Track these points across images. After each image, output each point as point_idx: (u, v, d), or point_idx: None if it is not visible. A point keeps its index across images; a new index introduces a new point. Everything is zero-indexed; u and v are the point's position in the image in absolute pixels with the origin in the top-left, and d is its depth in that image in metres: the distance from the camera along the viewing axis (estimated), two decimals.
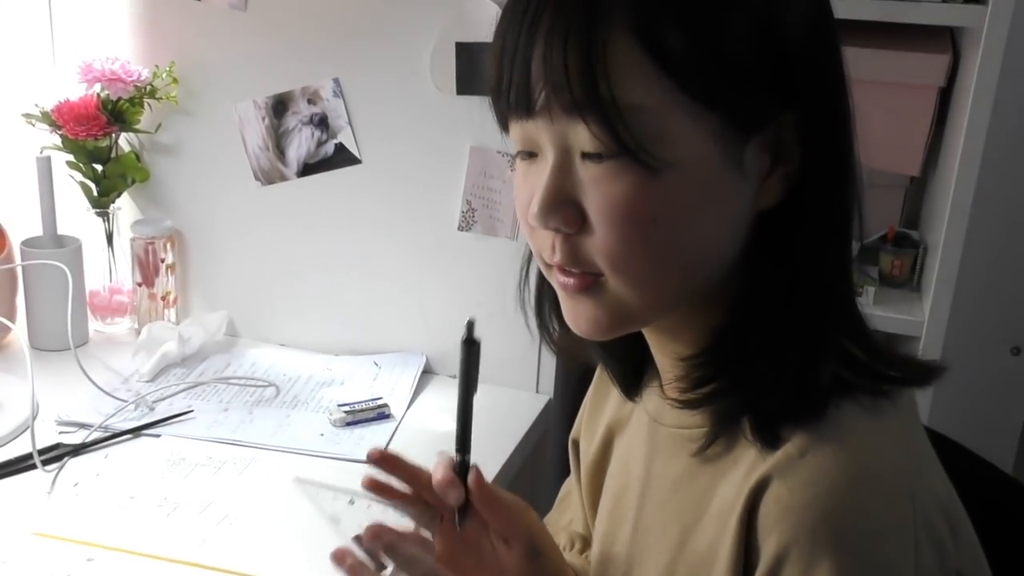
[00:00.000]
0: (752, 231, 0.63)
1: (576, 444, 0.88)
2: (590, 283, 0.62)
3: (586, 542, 0.90)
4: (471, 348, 0.68)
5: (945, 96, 1.28)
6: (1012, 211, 1.27)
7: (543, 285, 0.74)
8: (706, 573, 0.64)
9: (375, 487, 0.72)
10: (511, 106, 0.61)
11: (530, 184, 0.63)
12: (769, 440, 0.61)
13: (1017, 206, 1.27)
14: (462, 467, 0.70)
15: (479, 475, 0.70)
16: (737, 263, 0.63)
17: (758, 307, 0.62)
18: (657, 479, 0.71)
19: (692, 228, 0.61)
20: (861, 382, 0.63)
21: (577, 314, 0.64)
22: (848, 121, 0.63)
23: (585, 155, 0.60)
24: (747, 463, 0.62)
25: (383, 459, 0.72)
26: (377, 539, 0.71)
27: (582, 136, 0.59)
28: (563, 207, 0.60)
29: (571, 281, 0.63)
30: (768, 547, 0.59)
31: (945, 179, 1.24)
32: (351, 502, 0.66)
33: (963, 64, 1.24)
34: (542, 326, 0.77)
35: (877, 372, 0.64)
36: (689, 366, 0.66)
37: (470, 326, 0.67)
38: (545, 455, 1.35)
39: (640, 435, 0.75)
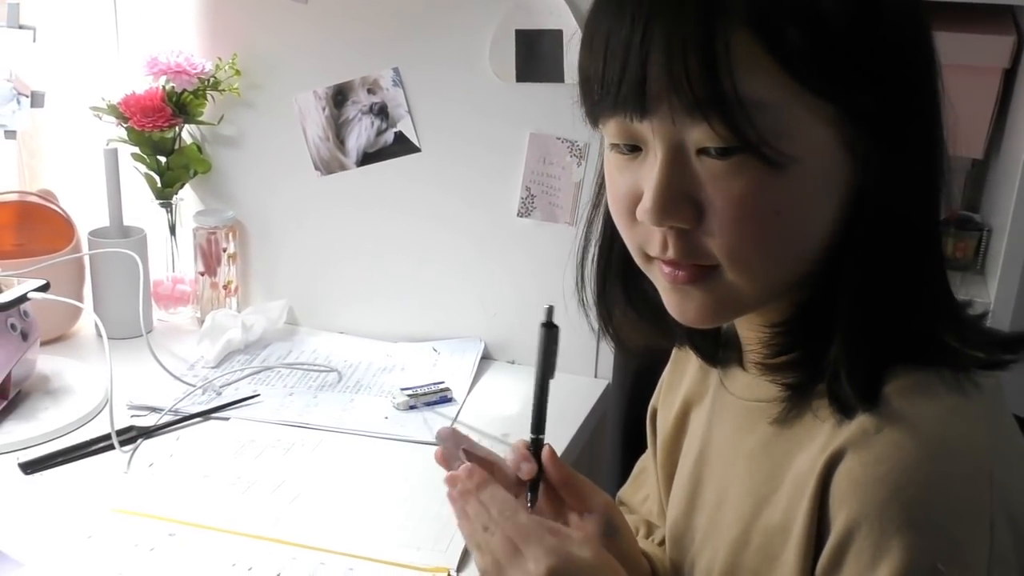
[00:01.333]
0: (848, 210, 0.63)
1: (654, 417, 0.89)
2: (703, 274, 0.63)
3: (651, 528, 0.90)
4: (550, 332, 0.70)
5: (1009, 78, 1.27)
6: None
7: (607, 275, 0.75)
8: (780, 543, 0.64)
9: (447, 463, 0.73)
10: (620, 104, 0.60)
11: (629, 178, 0.63)
12: (845, 412, 0.61)
13: None
14: (536, 445, 0.72)
15: (552, 452, 0.72)
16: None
17: (846, 284, 0.62)
18: (733, 451, 0.72)
19: (812, 218, 0.62)
20: (947, 360, 0.62)
21: (686, 306, 0.65)
22: (939, 103, 0.63)
23: (702, 151, 0.60)
24: (823, 436, 0.63)
25: (453, 437, 0.74)
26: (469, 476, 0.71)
27: (702, 133, 0.59)
28: (680, 204, 0.61)
29: (681, 273, 0.63)
30: (839, 521, 0.59)
31: (1010, 161, 1.23)
32: None
33: None
34: (604, 316, 0.77)
35: (963, 351, 0.63)
36: (771, 334, 0.67)
37: (550, 311, 0.69)
38: (604, 439, 1.36)
39: (717, 408, 0.76)
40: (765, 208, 0.60)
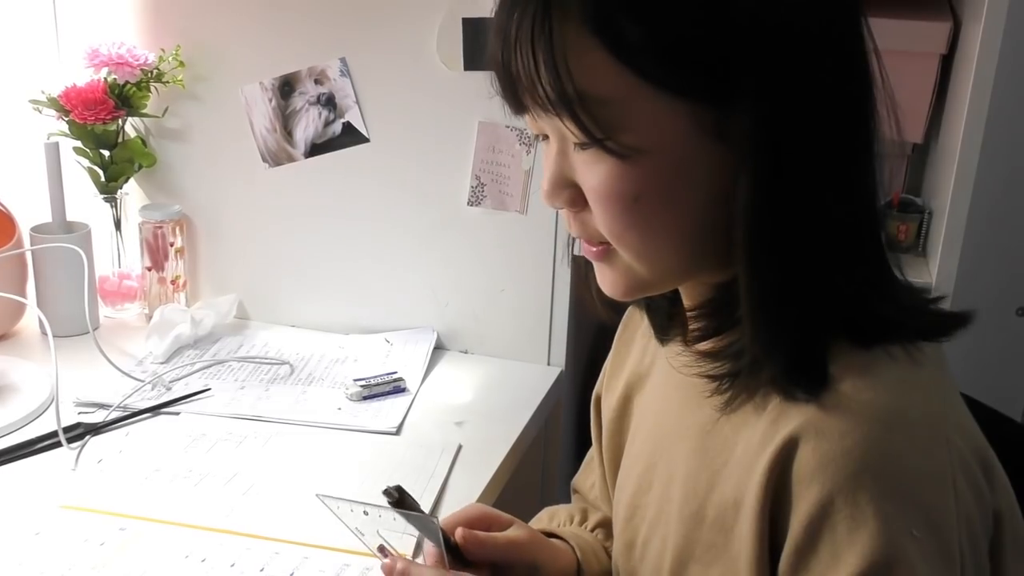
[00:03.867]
0: (753, 193, 0.61)
1: (598, 404, 0.90)
2: (605, 252, 0.67)
3: (585, 515, 0.92)
4: (404, 504, 0.73)
5: (946, 63, 1.29)
6: (1014, 175, 1.28)
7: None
8: (733, 516, 0.65)
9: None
10: (505, 101, 0.64)
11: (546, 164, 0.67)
12: (790, 393, 0.62)
13: (1020, 170, 1.28)
14: (455, 551, 0.76)
15: (469, 537, 0.76)
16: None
17: (754, 267, 0.62)
18: (681, 427, 0.73)
19: (678, 203, 0.63)
20: (888, 334, 0.64)
21: (602, 279, 0.69)
22: (851, 83, 0.62)
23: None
24: (772, 411, 0.63)
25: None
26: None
27: (562, 127, 0.62)
28: (564, 189, 0.65)
29: (592, 249, 0.68)
30: (808, 498, 0.60)
31: (949, 145, 1.26)
32: (365, 513, 0.72)
33: (964, 31, 1.25)
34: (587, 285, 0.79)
35: (903, 323, 0.65)
36: (696, 315, 0.69)
37: (388, 494, 0.73)
38: (558, 426, 1.36)
39: (661, 385, 0.77)
40: (624, 196, 0.62)
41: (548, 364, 1.35)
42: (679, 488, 0.72)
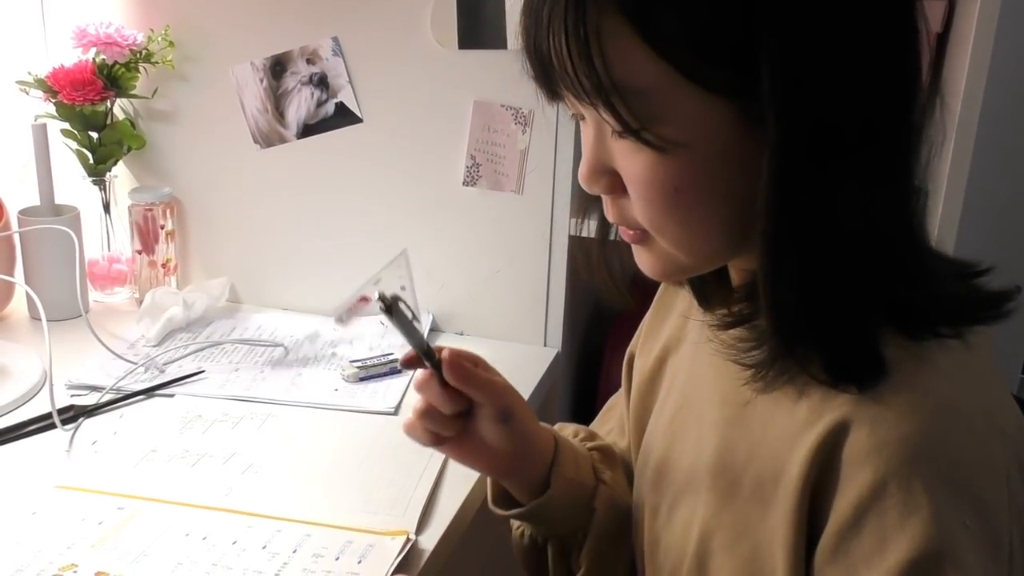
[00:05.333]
0: (774, 169, 0.59)
1: (631, 362, 0.89)
2: (643, 235, 0.66)
3: (593, 435, 0.91)
4: (395, 312, 0.70)
5: (941, 42, 1.29)
6: (1011, 154, 1.29)
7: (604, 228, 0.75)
8: (771, 489, 0.64)
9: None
10: (538, 86, 0.63)
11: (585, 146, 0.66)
12: (835, 384, 0.61)
13: (1017, 149, 1.29)
14: (436, 366, 0.75)
15: (451, 357, 0.75)
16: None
17: (787, 252, 0.60)
18: (718, 397, 0.72)
19: (718, 193, 0.61)
20: (939, 320, 0.62)
21: (640, 261, 0.68)
22: (895, 73, 0.59)
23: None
24: (818, 391, 0.62)
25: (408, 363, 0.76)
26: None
27: (599, 115, 0.60)
28: (603, 176, 0.64)
29: (629, 233, 0.67)
30: (859, 479, 0.58)
31: (946, 123, 1.26)
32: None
33: (959, 9, 1.25)
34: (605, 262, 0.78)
35: (953, 309, 0.63)
36: (734, 299, 0.68)
37: (382, 299, 0.70)
38: (555, 408, 1.36)
39: (701, 353, 0.75)
40: (664, 186, 0.61)
41: (544, 346, 1.34)
42: (712, 458, 0.70)
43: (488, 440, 0.78)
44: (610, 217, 0.67)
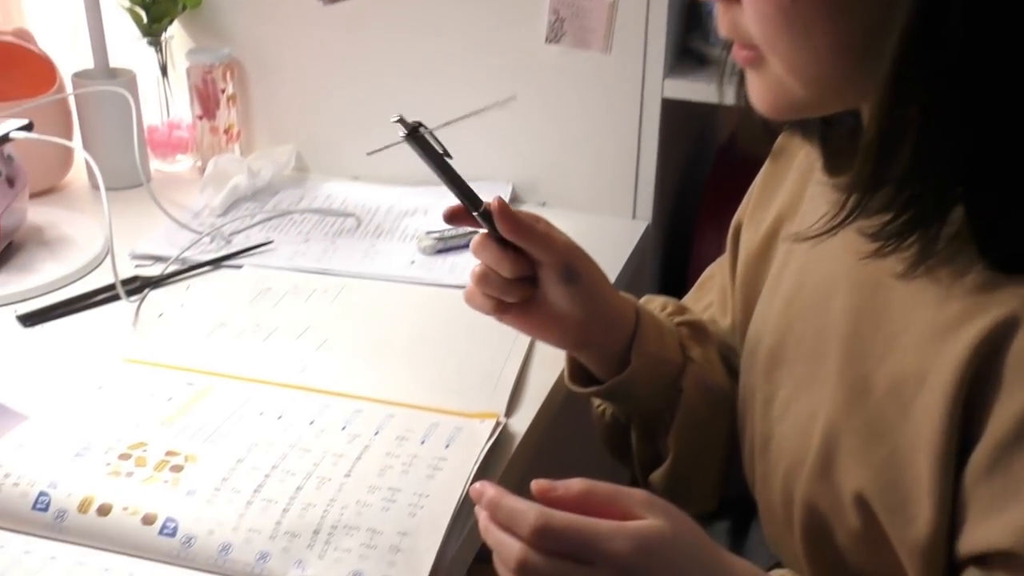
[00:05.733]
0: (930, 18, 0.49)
1: (737, 231, 0.80)
2: (754, 58, 0.58)
3: (682, 309, 0.83)
4: (416, 138, 0.64)
5: None
6: None
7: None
8: (913, 391, 0.56)
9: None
10: None
11: None
12: (1006, 267, 0.52)
13: None
14: (484, 216, 0.70)
15: (501, 206, 0.69)
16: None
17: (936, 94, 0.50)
18: (843, 280, 0.63)
19: (841, 10, 0.52)
20: None
21: (752, 93, 0.60)
22: None
23: None
24: (974, 280, 0.53)
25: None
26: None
27: None
28: None
29: (742, 53, 0.59)
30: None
31: None
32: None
33: None
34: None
35: None
36: (861, 159, 0.56)
37: (402, 122, 0.64)
38: (643, 284, 1.27)
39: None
40: None
41: (633, 218, 1.25)
42: (838, 349, 0.62)
43: (555, 306, 0.72)
44: (722, 29, 0.59)
